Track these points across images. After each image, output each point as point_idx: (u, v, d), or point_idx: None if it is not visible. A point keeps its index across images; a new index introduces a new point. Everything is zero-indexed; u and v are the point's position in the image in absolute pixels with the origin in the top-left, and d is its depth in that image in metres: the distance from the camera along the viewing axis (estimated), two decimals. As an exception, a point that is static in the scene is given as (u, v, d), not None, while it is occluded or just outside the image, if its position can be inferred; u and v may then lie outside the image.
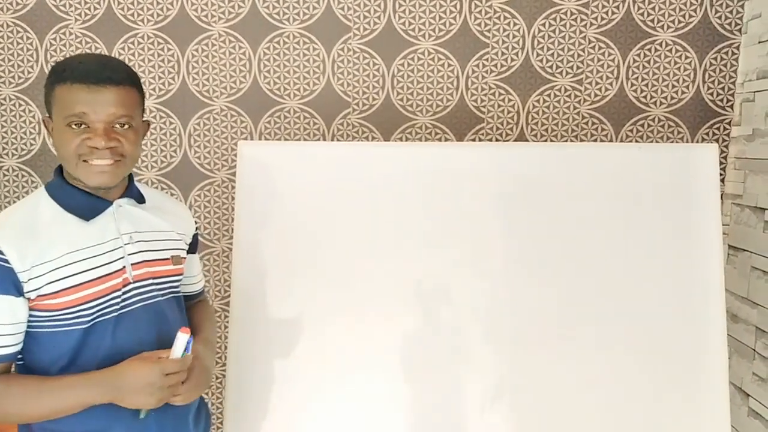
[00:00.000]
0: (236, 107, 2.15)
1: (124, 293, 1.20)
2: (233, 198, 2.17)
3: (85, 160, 1.13)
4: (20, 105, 2.18)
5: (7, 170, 2.22)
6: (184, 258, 1.37)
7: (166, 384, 1.13)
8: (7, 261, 1.08)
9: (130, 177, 1.28)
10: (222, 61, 2.13)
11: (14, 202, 2.22)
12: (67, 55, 2.13)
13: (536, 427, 1.70)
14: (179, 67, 2.14)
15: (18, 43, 2.14)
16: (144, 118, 1.27)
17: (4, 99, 2.17)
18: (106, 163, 1.14)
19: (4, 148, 2.20)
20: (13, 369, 1.17)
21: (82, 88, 1.11)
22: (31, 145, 2.20)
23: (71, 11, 2.11)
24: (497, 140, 2.15)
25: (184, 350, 1.17)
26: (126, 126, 1.16)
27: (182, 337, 1.16)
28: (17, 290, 1.09)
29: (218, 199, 2.21)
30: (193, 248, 1.44)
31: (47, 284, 1.11)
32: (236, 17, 2.11)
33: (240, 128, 2.16)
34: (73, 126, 1.12)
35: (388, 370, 1.71)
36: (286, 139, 2.16)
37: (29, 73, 2.16)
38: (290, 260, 1.74)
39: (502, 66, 2.12)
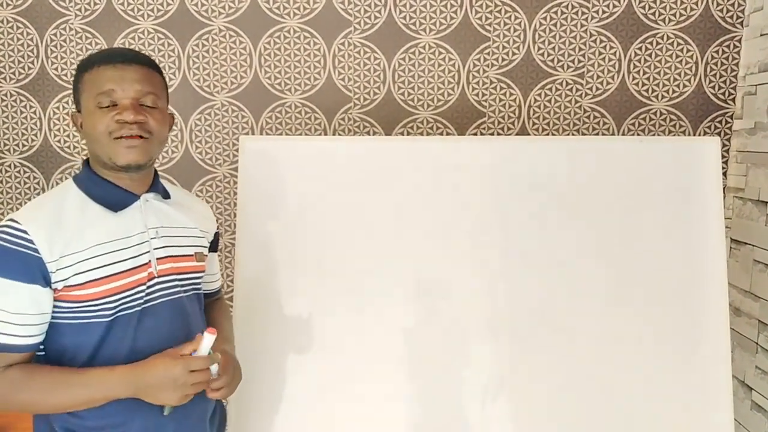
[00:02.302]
0: (237, 102, 2.15)
1: (148, 287, 1.20)
2: (235, 193, 2.17)
3: (116, 138, 1.15)
4: (21, 101, 2.17)
5: (9, 166, 2.22)
6: (206, 255, 1.38)
7: (190, 381, 1.12)
8: (36, 250, 1.08)
9: (156, 173, 1.29)
10: (222, 56, 2.13)
11: (16, 198, 2.22)
12: (68, 51, 2.13)
13: (537, 420, 1.70)
14: (180, 63, 2.13)
15: (18, 39, 2.14)
16: (169, 111, 1.28)
17: (5, 95, 2.17)
18: (134, 134, 1.15)
19: (5, 144, 2.20)
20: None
21: (108, 68, 1.15)
22: (33, 141, 2.20)
23: (71, 6, 2.11)
24: (499, 134, 2.14)
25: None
26: (152, 106, 1.19)
27: (209, 337, 1.15)
28: (45, 280, 1.09)
29: (220, 194, 2.21)
30: (214, 247, 1.45)
31: (74, 275, 1.11)
32: (236, 12, 2.10)
33: (241, 123, 2.16)
34: (102, 106, 1.14)
35: (389, 363, 1.72)
36: (287, 134, 2.16)
37: (30, 69, 2.16)
38: (293, 254, 1.74)
39: (503, 60, 2.12)
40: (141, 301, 1.19)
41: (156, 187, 1.27)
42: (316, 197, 1.75)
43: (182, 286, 1.27)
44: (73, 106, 1.22)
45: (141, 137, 1.16)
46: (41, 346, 1.16)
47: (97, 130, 1.14)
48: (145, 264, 1.20)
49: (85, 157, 1.25)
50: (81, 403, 1.11)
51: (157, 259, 1.22)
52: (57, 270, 1.10)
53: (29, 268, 1.08)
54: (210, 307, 1.47)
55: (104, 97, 1.14)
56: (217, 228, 1.47)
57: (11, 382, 1.09)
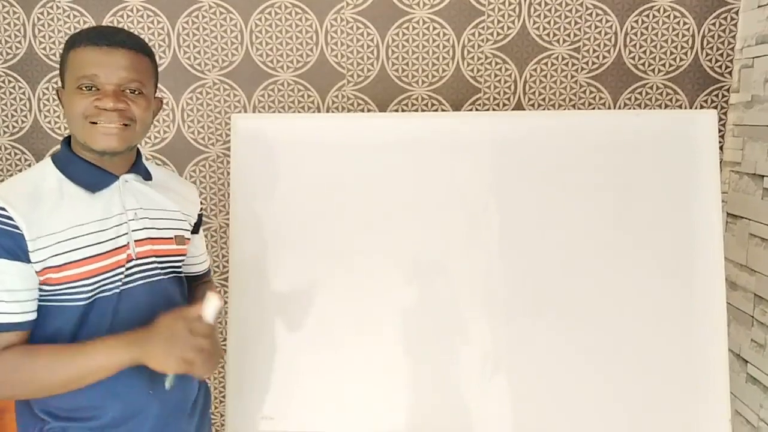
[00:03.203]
0: (229, 80, 2.12)
1: (127, 269, 1.19)
2: (228, 173, 2.15)
3: (92, 122, 1.12)
4: (9, 82, 2.14)
5: (-1, 148, 2.19)
6: (188, 239, 1.36)
7: (190, 343, 1.09)
8: (17, 227, 1.07)
9: (138, 153, 1.27)
10: (213, 34, 2.10)
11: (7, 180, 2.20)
12: (56, 30, 2.10)
13: (534, 398, 1.71)
14: (170, 41, 2.10)
15: (5, 18, 2.10)
16: (157, 95, 1.26)
17: (-7, 76, 2.14)
18: (113, 125, 1.13)
19: (-6, 126, 2.18)
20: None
21: (94, 50, 1.12)
22: (23, 122, 2.17)
23: (58, -16, 2.07)
24: (494, 110, 2.12)
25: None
26: (137, 92, 1.16)
27: (213, 302, 1.11)
28: (27, 258, 1.08)
29: (213, 174, 2.19)
30: (196, 228, 1.43)
31: (52, 257, 1.10)
32: (227, -12, 2.07)
33: (233, 102, 2.14)
34: (84, 89, 1.12)
35: (386, 343, 1.72)
36: (280, 112, 2.13)
37: (17, 48, 2.12)
38: (287, 234, 1.73)
39: (498, 35, 2.09)
40: (119, 283, 1.18)
41: (137, 167, 1.25)
42: (309, 175, 1.73)
43: (162, 268, 1.26)
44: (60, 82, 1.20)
45: (122, 124, 1.14)
46: None
47: (74, 112, 1.12)
48: (124, 246, 1.18)
49: (66, 135, 1.23)
50: (86, 375, 1.09)
51: (136, 241, 1.20)
52: (35, 250, 1.08)
53: (11, 244, 1.07)
54: (198, 289, 1.46)
55: (86, 81, 1.12)
56: (201, 210, 1.45)
57: (10, 363, 1.07)
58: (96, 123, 1.12)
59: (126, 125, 1.15)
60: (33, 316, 1.11)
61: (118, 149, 1.16)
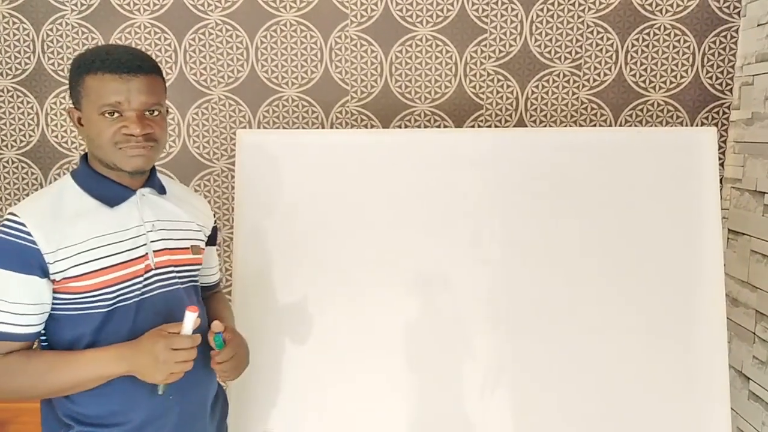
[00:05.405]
0: (234, 96, 2.15)
1: (145, 279, 1.23)
2: (233, 187, 2.17)
3: (120, 148, 1.17)
4: (18, 96, 2.17)
5: (7, 162, 2.21)
6: (203, 249, 1.40)
7: (172, 359, 1.13)
8: (34, 242, 1.11)
9: (153, 168, 1.31)
10: (219, 50, 2.13)
11: (15, 194, 2.22)
12: (64, 46, 2.13)
13: (535, 411, 1.71)
14: (176, 57, 2.13)
15: (14, 35, 2.13)
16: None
17: (2, 91, 2.17)
18: (141, 148, 1.18)
19: (3, 140, 2.20)
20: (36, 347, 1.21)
21: (114, 78, 1.14)
22: (30, 136, 2.19)
23: (67, 1, 2.10)
24: (496, 126, 2.14)
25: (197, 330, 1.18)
26: (156, 113, 1.20)
27: (190, 316, 1.16)
28: (42, 272, 1.12)
29: (218, 188, 2.21)
30: (212, 241, 1.47)
31: (73, 267, 1.14)
32: (233, 5, 2.10)
33: (238, 117, 2.16)
34: (107, 115, 1.15)
35: (388, 356, 1.72)
36: (284, 128, 2.15)
37: (26, 64, 2.15)
38: (291, 248, 1.75)
39: (500, 52, 2.11)
40: (138, 292, 1.21)
41: (152, 182, 1.29)
42: (313, 190, 1.75)
43: (180, 278, 1.30)
44: (70, 101, 1.22)
45: (148, 146, 1.19)
46: (44, 338, 1.20)
47: (102, 138, 1.16)
48: (142, 256, 1.22)
49: (83, 152, 1.26)
50: (77, 384, 1.14)
51: (154, 251, 1.24)
52: (55, 261, 1.13)
53: (26, 259, 1.11)
54: (210, 299, 1.51)
55: (109, 108, 1.15)
56: (215, 222, 1.48)
57: (9, 368, 1.12)
58: (124, 149, 1.17)
59: (151, 146, 1.20)
60: (38, 328, 1.16)
61: (145, 168, 1.22)
